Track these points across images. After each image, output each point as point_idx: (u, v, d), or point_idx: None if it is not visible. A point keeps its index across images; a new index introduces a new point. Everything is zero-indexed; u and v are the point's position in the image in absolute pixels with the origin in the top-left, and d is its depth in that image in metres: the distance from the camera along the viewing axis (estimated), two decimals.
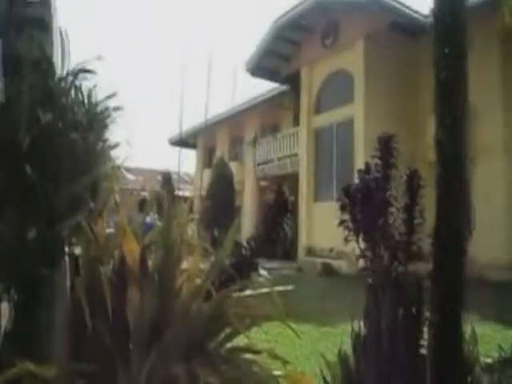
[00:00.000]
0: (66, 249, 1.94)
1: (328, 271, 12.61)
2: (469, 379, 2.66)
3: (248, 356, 2.08)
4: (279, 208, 2.88)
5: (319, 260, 13.56)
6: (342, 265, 11.88)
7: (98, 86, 2.00)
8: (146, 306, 1.79)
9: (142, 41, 62.47)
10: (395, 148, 2.78)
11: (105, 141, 2.06)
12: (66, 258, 1.92)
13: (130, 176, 2.50)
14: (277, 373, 2.03)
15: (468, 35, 2.50)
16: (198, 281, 1.96)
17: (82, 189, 1.78)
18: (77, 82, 1.87)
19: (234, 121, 21.98)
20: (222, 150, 23.05)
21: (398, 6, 12.87)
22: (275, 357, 2.14)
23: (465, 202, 2.53)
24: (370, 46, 13.54)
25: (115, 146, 2.07)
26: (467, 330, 2.73)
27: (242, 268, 2.69)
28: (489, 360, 3.03)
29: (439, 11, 2.53)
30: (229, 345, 2.04)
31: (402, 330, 2.68)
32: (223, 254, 2.03)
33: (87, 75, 1.96)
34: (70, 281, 1.93)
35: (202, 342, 1.91)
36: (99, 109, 1.93)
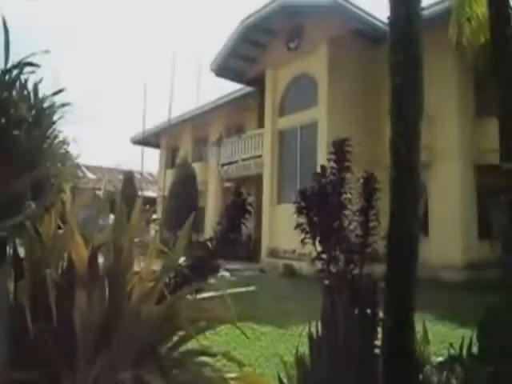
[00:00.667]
0: (11, 250, 1.85)
1: (290, 272, 12.74)
2: (420, 377, 2.73)
3: (203, 359, 2.05)
4: (238, 209, 2.86)
5: (281, 261, 13.64)
6: (302, 266, 11.99)
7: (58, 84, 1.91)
8: (95, 310, 1.72)
9: (105, 38, 61.15)
10: (349, 151, 2.82)
11: (54, 137, 1.98)
12: (9, 260, 1.82)
13: (89, 174, 2.41)
14: (231, 375, 2.01)
15: (423, 43, 2.57)
16: (150, 283, 1.90)
17: (23, 187, 1.70)
18: (22, 77, 1.78)
19: (198, 121, 21.80)
20: (185, 150, 22.79)
21: (360, 13, 13.15)
22: (231, 359, 2.12)
23: (417, 205, 2.59)
24: (333, 50, 13.77)
25: (64, 142, 1.98)
26: (420, 330, 2.80)
27: (200, 269, 2.65)
28: (440, 358, 3.12)
29: (394, 19, 2.58)
30: (182, 348, 2.00)
31: (357, 331, 2.72)
32: (175, 255, 1.98)
33: (35, 70, 1.87)
34: (14, 284, 1.83)
35: (153, 346, 1.86)
36: (45, 104, 1.84)
